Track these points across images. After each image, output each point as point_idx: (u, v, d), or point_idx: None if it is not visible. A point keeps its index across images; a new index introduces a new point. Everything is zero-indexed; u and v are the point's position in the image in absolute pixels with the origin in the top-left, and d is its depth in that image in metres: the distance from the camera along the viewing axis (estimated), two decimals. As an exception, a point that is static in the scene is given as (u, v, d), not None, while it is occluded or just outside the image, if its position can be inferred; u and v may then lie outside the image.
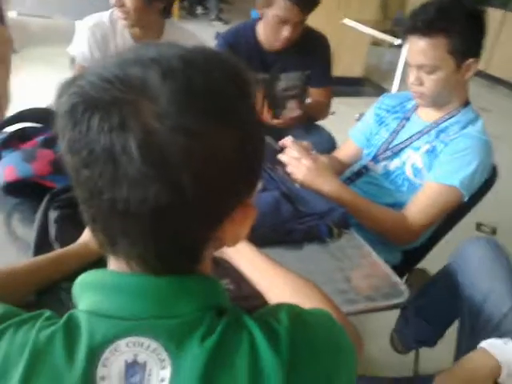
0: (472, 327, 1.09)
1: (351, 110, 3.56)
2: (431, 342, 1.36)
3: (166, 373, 0.42)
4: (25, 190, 1.05)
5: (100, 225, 0.44)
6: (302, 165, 1.23)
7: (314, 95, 2.08)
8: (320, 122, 2.12)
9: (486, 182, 1.34)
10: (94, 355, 0.42)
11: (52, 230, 0.91)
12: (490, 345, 0.88)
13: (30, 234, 0.93)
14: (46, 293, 0.77)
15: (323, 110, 2.08)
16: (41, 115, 1.17)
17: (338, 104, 3.34)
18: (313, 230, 1.06)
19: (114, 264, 0.47)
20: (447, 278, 1.21)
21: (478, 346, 0.90)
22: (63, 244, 0.86)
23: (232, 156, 0.42)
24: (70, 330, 0.43)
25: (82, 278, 0.47)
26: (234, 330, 0.45)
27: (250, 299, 0.79)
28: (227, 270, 0.86)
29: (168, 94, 0.39)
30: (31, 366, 0.41)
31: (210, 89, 0.41)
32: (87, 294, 0.46)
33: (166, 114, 0.38)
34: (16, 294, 0.74)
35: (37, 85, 3.04)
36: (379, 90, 4.06)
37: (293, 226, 1.05)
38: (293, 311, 0.51)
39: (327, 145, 1.88)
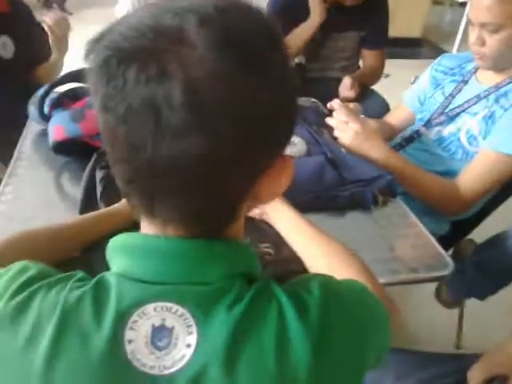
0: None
1: (407, 73, 3.40)
2: (482, 296, 1.33)
3: (193, 338, 0.42)
4: (74, 149, 1.09)
5: (137, 185, 0.43)
6: (349, 129, 1.19)
7: (367, 57, 2.00)
8: (373, 86, 2.04)
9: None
10: (122, 318, 0.42)
11: (98, 189, 0.93)
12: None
13: (78, 192, 0.96)
14: (92, 250, 0.79)
15: (376, 74, 2.00)
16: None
17: (392, 67, 3.21)
18: (357, 196, 1.03)
19: (145, 228, 0.47)
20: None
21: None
22: (108, 203, 0.88)
23: (269, 105, 0.41)
24: (100, 292, 0.44)
25: (113, 241, 0.48)
26: (263, 299, 0.45)
27: (289, 263, 0.79)
28: (268, 233, 0.86)
29: (206, 42, 0.38)
30: (62, 325, 0.42)
31: (247, 37, 0.40)
32: (118, 257, 0.46)
33: (206, 61, 0.38)
34: (62, 251, 0.77)
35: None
36: (438, 52, 3.83)
37: (336, 193, 1.03)
38: (325, 283, 0.50)
39: (380, 110, 1.82)
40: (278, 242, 0.82)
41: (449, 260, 0.93)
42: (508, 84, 1.26)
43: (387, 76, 3.32)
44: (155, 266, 0.44)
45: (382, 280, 0.85)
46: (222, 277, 0.44)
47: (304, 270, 0.76)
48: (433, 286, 1.44)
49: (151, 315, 0.43)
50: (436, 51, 4.07)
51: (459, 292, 1.39)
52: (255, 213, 0.86)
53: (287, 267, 0.78)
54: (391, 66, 3.15)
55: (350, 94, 1.79)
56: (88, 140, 1.08)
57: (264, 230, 0.85)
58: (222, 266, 0.45)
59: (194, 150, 0.39)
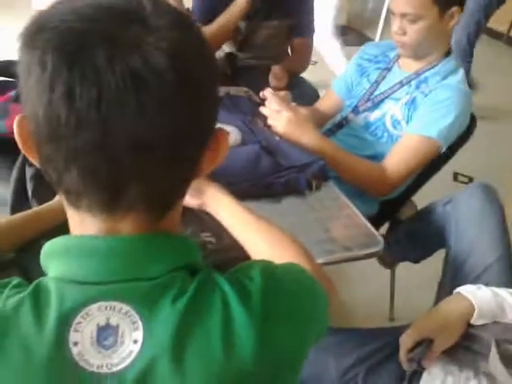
0: (454, 276, 1.12)
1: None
2: (415, 260, 1.42)
3: (139, 334, 0.42)
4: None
5: (100, 176, 0.41)
6: (282, 117, 1.22)
7: (295, 46, 2.03)
8: (303, 74, 2.08)
9: (465, 133, 1.35)
10: (66, 321, 0.42)
11: (29, 188, 0.90)
12: (464, 289, 0.92)
13: (6, 192, 0.92)
14: (25, 250, 0.77)
15: (304, 62, 2.05)
16: (11, 68, 1.13)
17: (320, 53, 3.29)
18: (292, 182, 1.07)
19: (77, 228, 0.46)
20: (437, 219, 1.23)
21: (454, 291, 0.94)
22: (41, 201, 0.85)
23: (213, 76, 0.46)
24: (39, 297, 0.43)
25: (46, 248, 0.47)
26: (207, 290, 0.46)
27: (231, 250, 0.81)
28: (208, 222, 0.87)
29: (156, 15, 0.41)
30: (2, 334, 0.41)
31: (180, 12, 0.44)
32: (55, 262, 0.45)
33: (172, 31, 0.42)
34: None
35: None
36: (362, 39, 3.97)
37: (272, 180, 1.06)
38: (265, 268, 0.52)
39: (310, 97, 1.86)
40: (219, 230, 0.84)
41: (379, 238, 0.99)
42: (427, 70, 1.34)
43: (315, 63, 3.40)
44: (95, 266, 0.44)
45: (319, 260, 0.89)
46: (165, 271, 0.45)
47: (246, 257, 0.78)
48: (365, 264, 1.52)
49: (95, 315, 0.42)
50: (361, 38, 4.21)
51: (396, 256, 1.48)
52: (195, 203, 0.87)
53: (229, 255, 0.80)
54: (319, 53, 3.23)
55: (280, 83, 1.82)
56: (14, 136, 1.03)
57: (204, 220, 0.86)
58: (164, 260, 0.45)
59: (174, 124, 0.41)
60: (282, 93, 1.32)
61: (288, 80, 1.86)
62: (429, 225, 1.25)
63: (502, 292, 0.89)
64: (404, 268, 1.50)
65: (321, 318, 0.57)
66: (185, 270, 0.46)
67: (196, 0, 1.83)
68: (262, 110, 1.26)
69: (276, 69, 1.86)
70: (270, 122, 1.23)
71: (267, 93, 1.28)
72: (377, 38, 3.53)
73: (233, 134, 1.19)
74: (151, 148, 0.41)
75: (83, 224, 0.45)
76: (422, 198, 1.51)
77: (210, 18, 1.77)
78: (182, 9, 1.96)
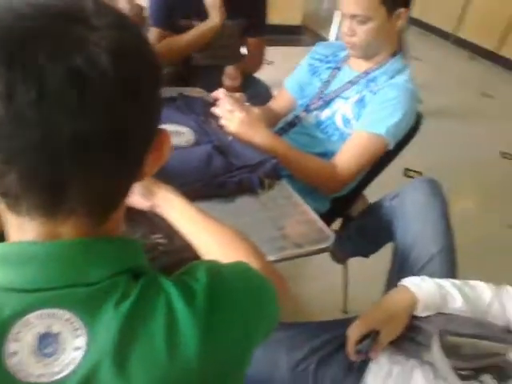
0: (401, 268, 1.16)
1: (290, 60, 3.53)
2: (365, 254, 1.46)
3: (81, 341, 0.42)
4: None
5: (41, 178, 0.41)
6: (234, 117, 1.23)
7: (248, 45, 2.05)
8: (258, 73, 2.10)
9: (412, 130, 1.40)
10: (3, 331, 0.41)
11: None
12: (408, 281, 0.95)
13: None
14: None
15: (257, 61, 2.06)
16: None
17: (275, 54, 3.33)
18: (245, 182, 1.08)
19: (15, 233, 0.45)
20: (385, 213, 1.26)
21: (399, 284, 0.98)
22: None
23: (144, 72, 0.45)
24: None
25: None
26: (151, 293, 0.46)
27: (182, 252, 0.81)
28: (159, 224, 0.87)
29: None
30: None
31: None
32: None
33: (113, 29, 0.42)
34: None
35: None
36: (318, 39, 4.04)
37: (225, 180, 1.06)
38: (211, 267, 0.52)
39: (264, 97, 1.88)
40: (170, 232, 0.84)
41: (330, 233, 1.02)
42: (376, 70, 1.39)
43: (271, 63, 3.43)
44: (34, 273, 0.43)
45: (270, 258, 0.91)
46: (106, 276, 0.44)
47: (197, 258, 0.78)
48: (321, 259, 1.55)
49: (35, 324, 0.42)
50: (316, 38, 4.28)
51: (347, 252, 1.52)
52: (146, 205, 0.87)
53: (180, 256, 0.80)
54: (275, 53, 3.26)
55: (234, 83, 1.83)
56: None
57: (155, 222, 0.86)
58: (105, 264, 0.45)
59: (116, 123, 0.41)
60: (237, 94, 1.33)
61: (242, 80, 1.87)
62: (377, 219, 1.29)
63: (446, 283, 0.93)
64: (357, 261, 1.54)
65: (269, 314, 0.58)
66: (128, 274, 0.46)
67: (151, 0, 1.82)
68: (215, 110, 1.26)
69: (230, 69, 1.87)
70: (222, 122, 1.24)
71: (220, 93, 1.29)
72: (331, 38, 3.58)
73: (186, 134, 1.19)
74: (93, 148, 0.41)
75: (22, 229, 0.44)
76: (374, 194, 1.56)
77: (166, 17, 1.76)
78: (135, 7, 1.94)
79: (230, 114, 1.24)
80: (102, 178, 0.43)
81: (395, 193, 1.25)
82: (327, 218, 1.44)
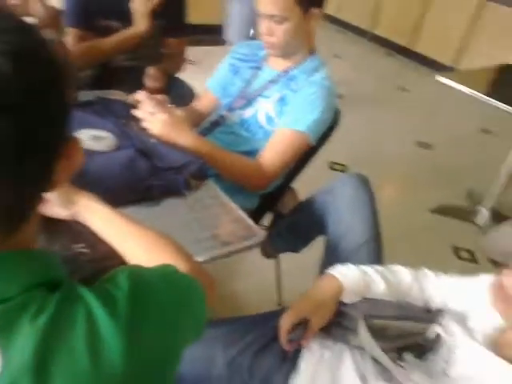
0: (331, 259, 1.19)
1: (213, 60, 3.53)
2: (296, 250, 1.49)
3: None
4: None
5: None
6: (157, 119, 1.22)
7: (169, 46, 2.03)
8: (182, 74, 2.08)
9: (331, 124, 1.46)
10: None
11: None
12: (335, 270, 0.99)
13: None
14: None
15: (179, 62, 2.05)
16: None
17: (198, 53, 3.32)
18: (170, 184, 1.07)
19: None
20: (317, 208, 1.30)
21: (326, 272, 1.01)
22: None
23: (48, 76, 0.44)
24: None
25: None
26: (69, 304, 0.44)
27: (106, 260, 0.79)
28: (82, 233, 0.84)
29: None
30: None
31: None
32: None
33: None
34: None
35: None
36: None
37: (150, 183, 1.05)
38: (133, 273, 0.52)
39: (187, 97, 1.87)
40: (93, 240, 0.81)
41: (258, 230, 1.04)
42: (295, 69, 1.42)
43: (194, 63, 3.41)
44: None
45: (199, 258, 0.91)
46: (18, 291, 0.43)
47: (123, 264, 0.77)
48: (255, 255, 1.57)
49: None
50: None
51: (278, 248, 1.55)
52: (66, 214, 0.84)
53: (105, 264, 0.78)
54: (198, 53, 3.25)
55: (156, 84, 1.81)
56: None
57: (77, 231, 0.83)
58: (19, 279, 0.44)
59: (20, 130, 0.40)
60: (159, 96, 1.31)
61: (164, 81, 1.85)
62: (310, 215, 1.32)
63: (369, 270, 0.98)
64: (290, 255, 1.57)
65: (198, 314, 0.58)
66: (44, 287, 0.45)
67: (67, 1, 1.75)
68: (136, 112, 1.24)
69: (152, 70, 1.84)
70: (144, 124, 1.22)
71: (140, 95, 1.27)
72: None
73: (107, 139, 1.16)
74: None
75: None
76: (302, 188, 1.61)
77: (83, 17, 1.71)
78: (49, 10, 1.85)
79: (152, 116, 1.23)
80: (6, 191, 0.41)
81: (328, 188, 1.29)
82: (257, 215, 1.46)
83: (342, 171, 2.75)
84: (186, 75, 2.11)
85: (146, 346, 0.47)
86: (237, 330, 1.01)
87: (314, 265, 1.28)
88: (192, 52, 2.12)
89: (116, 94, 1.51)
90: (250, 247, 1.00)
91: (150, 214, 1.01)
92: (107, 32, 1.74)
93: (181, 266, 0.66)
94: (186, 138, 1.22)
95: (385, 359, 0.80)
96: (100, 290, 0.47)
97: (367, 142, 3.13)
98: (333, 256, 1.19)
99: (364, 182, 1.24)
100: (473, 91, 2.22)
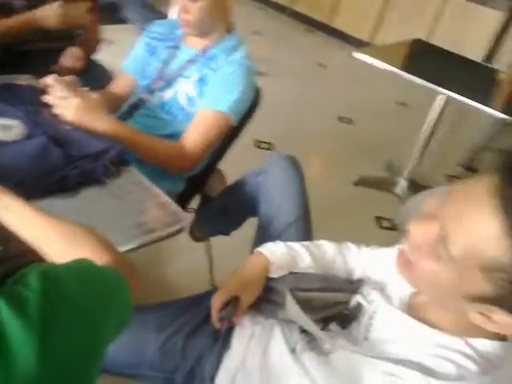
0: (263, 239, 1.21)
1: (130, 39, 3.40)
2: (226, 233, 1.49)
3: None
4: None
5: None
6: (70, 104, 1.16)
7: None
8: (95, 55, 1.98)
9: (253, 103, 1.46)
10: None
11: None
12: (263, 247, 1.01)
13: None
14: None
15: (94, 42, 1.95)
16: None
17: (114, 33, 3.17)
18: (88, 172, 1.03)
19: None
20: (249, 190, 1.30)
21: (255, 250, 1.03)
22: None
23: None
24: None
25: None
26: None
27: (21, 257, 0.75)
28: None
29: None
30: None
31: None
32: None
33: None
34: None
35: None
36: (158, 16, 3.94)
37: (66, 172, 1.00)
38: (44, 271, 0.49)
39: (104, 80, 1.79)
40: (6, 237, 0.76)
41: (184, 215, 1.03)
42: (213, 48, 1.40)
43: (110, 43, 3.26)
44: None
45: (124, 247, 0.88)
46: None
47: (40, 260, 0.73)
48: (186, 238, 1.56)
49: None
50: (156, 15, 4.17)
51: (207, 231, 1.55)
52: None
53: (19, 262, 0.74)
54: (114, 32, 3.10)
55: (76, 64, 1.71)
56: None
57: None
58: None
59: None
60: (68, 78, 1.24)
61: (86, 61, 1.75)
62: (242, 197, 1.32)
63: (295, 245, 1.01)
64: (222, 236, 1.57)
65: (119, 306, 0.57)
66: None
67: None
68: (47, 98, 1.17)
69: (72, 49, 1.73)
70: (56, 110, 1.15)
71: (49, 80, 1.20)
72: (170, 15, 3.52)
73: (16, 127, 1.08)
74: None
75: None
76: (229, 168, 1.61)
77: None
78: None
79: (65, 100, 1.16)
80: None
81: (258, 170, 1.29)
82: (184, 199, 1.45)
83: (268, 149, 2.77)
84: (102, 56, 2.02)
85: (62, 345, 0.45)
86: (168, 314, 1.01)
87: (247, 245, 1.29)
88: (108, 31, 2.02)
89: (24, 79, 1.41)
90: (176, 233, 0.99)
91: (68, 206, 0.97)
92: (9, 12, 1.61)
93: (101, 257, 0.64)
94: (102, 122, 1.17)
95: (311, 326, 0.83)
96: (8, 291, 0.45)
97: (291, 119, 3.18)
98: (264, 236, 1.21)
99: (294, 163, 1.26)
100: (387, 66, 2.32)
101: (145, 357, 0.95)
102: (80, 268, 0.55)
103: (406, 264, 0.66)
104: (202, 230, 1.52)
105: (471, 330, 0.64)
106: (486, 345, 0.64)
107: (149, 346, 0.95)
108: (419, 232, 0.62)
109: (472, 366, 0.62)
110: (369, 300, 0.81)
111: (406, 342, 0.69)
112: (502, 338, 0.65)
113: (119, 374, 0.97)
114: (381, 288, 0.83)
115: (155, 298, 1.09)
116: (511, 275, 0.54)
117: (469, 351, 0.63)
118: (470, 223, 0.57)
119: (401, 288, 0.78)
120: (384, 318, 0.76)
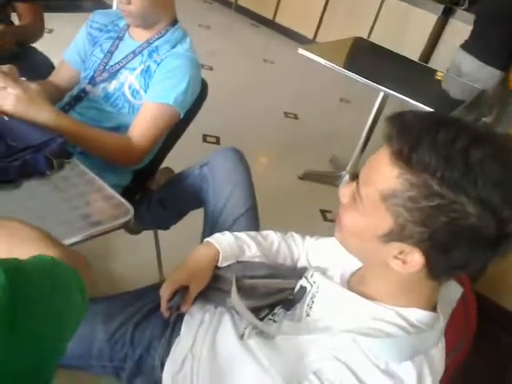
0: (212, 229, 1.22)
1: (71, 28, 3.28)
2: (165, 227, 1.49)
3: None
4: None
5: None
6: (9, 95, 1.11)
7: (22, 13, 1.84)
8: (37, 43, 1.91)
9: (200, 96, 1.46)
10: None
11: None
12: (211, 238, 1.03)
13: None
14: None
15: (35, 30, 1.87)
16: None
17: (55, 21, 3.06)
18: (29, 164, 1.00)
19: None
20: (194, 181, 1.30)
21: (204, 241, 1.04)
22: None
23: None
24: None
25: None
26: None
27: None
28: None
29: None
30: None
31: None
32: None
33: None
34: None
35: None
36: (100, 5, 3.83)
37: (6, 165, 0.97)
38: (11, 268, 0.48)
39: (44, 69, 1.73)
40: None
41: (129, 207, 1.02)
42: (157, 39, 1.39)
43: (51, 31, 3.15)
44: None
45: (69, 241, 0.87)
46: None
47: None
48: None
49: None
50: (97, 4, 4.04)
51: (146, 224, 1.53)
52: None
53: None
54: (55, 20, 2.99)
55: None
56: None
57: None
58: None
59: None
60: (5, 67, 1.19)
61: (13, 46, 1.67)
62: (186, 188, 1.32)
63: (242, 235, 1.03)
64: (172, 228, 1.57)
65: (76, 300, 0.57)
66: None
67: None
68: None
69: None
70: (-6, 102, 1.11)
71: (-17, 69, 1.14)
72: (114, 5, 3.43)
73: None
74: None
75: None
76: (177, 161, 1.60)
77: None
78: None
79: (3, 91, 1.12)
80: None
81: (204, 161, 1.29)
82: (130, 192, 1.43)
83: (215, 143, 2.78)
84: (42, 45, 1.94)
85: (29, 339, 0.45)
86: (116, 305, 1.01)
87: (196, 238, 1.30)
88: (48, 19, 1.94)
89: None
90: (122, 226, 0.98)
91: (9, 199, 0.94)
92: None
93: (47, 253, 0.63)
94: (44, 114, 1.14)
95: (249, 316, 0.85)
96: None
97: (238, 113, 3.20)
98: (213, 227, 1.22)
99: (239, 155, 1.28)
100: (330, 63, 2.38)
101: (93, 348, 0.95)
102: (42, 263, 0.54)
103: (338, 225, 0.74)
104: (139, 222, 1.50)
105: (402, 299, 0.71)
106: (416, 313, 0.70)
107: (97, 337, 0.94)
108: (344, 192, 0.72)
109: (403, 335, 0.68)
110: (311, 282, 0.85)
111: (345, 316, 0.74)
112: (432, 307, 0.72)
113: (67, 366, 0.96)
114: (323, 271, 0.87)
115: (102, 293, 1.08)
116: (403, 199, 0.61)
117: (401, 322, 0.69)
118: (371, 164, 0.68)
119: (342, 268, 0.83)
120: (324, 296, 0.81)
